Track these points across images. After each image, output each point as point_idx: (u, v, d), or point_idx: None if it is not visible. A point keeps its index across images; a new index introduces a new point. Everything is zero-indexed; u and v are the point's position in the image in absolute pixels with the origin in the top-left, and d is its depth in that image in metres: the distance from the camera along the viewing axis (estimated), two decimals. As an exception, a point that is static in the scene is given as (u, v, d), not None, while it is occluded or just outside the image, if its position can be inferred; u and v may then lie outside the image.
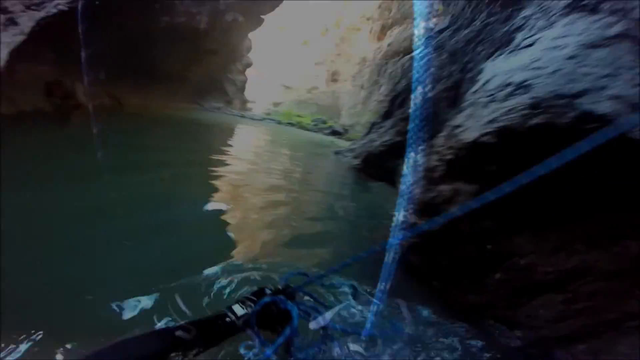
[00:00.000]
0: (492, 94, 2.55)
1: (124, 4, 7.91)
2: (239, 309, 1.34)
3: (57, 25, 6.23)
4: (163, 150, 4.65)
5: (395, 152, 5.32)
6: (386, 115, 6.75)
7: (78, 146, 4.03)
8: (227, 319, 1.30)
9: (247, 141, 7.66)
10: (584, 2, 2.92)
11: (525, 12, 3.76)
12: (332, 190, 4.28)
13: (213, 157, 4.49)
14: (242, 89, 17.83)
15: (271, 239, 2.46)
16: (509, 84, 2.48)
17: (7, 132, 4.02)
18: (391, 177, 5.03)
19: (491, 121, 2.14)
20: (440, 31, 8.38)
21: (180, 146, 5.45)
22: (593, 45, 2.21)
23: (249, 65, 17.64)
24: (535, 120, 1.94)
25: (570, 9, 2.99)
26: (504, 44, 3.58)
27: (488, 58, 3.77)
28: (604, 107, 1.80)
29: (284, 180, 4.51)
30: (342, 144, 12.14)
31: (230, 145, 5.95)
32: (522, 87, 2.30)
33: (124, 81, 9.84)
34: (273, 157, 5.85)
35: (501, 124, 2.06)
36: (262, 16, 15.52)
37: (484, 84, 2.92)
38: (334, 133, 16.67)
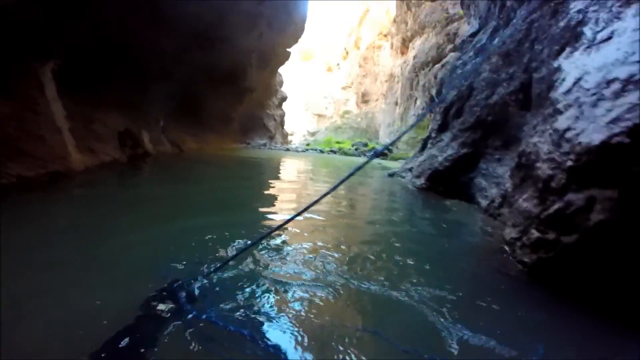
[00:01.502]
0: (596, 92, 2.41)
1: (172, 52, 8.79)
2: None
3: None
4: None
5: (464, 165, 5.12)
6: (442, 128, 6.59)
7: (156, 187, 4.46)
8: None
9: (298, 173, 7.84)
10: None
11: (576, 6, 3.64)
12: (413, 213, 4.15)
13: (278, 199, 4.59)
14: (282, 123, 18.68)
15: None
16: (612, 80, 2.34)
17: (95, 181, 4.57)
18: (465, 192, 4.81)
19: (614, 120, 1.99)
20: (473, 34, 8.26)
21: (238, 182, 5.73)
22: None
23: (284, 99, 18.57)
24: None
25: None
26: (570, 40, 3.45)
27: (557, 56, 3.61)
28: None
29: (356, 208, 4.48)
30: (390, 164, 12.00)
31: (286, 181, 6.12)
32: (632, 82, 2.16)
33: (180, 128, 10.81)
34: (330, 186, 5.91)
35: (629, 122, 1.91)
36: (288, 49, 16.44)
37: (575, 83, 2.77)
38: (379, 154, 16.61)
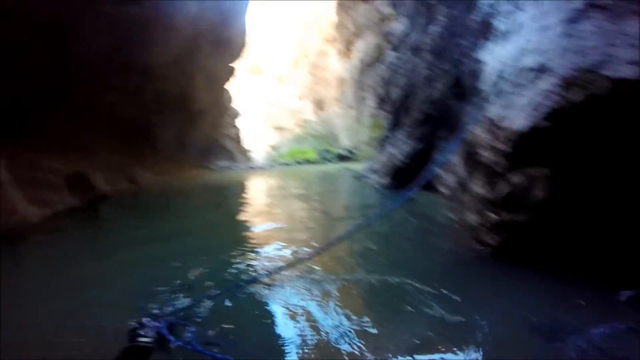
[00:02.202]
0: (515, 82, 2.74)
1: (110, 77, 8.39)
2: None
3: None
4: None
5: (421, 158, 5.48)
6: (395, 127, 6.97)
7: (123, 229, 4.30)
8: None
9: (268, 190, 7.84)
10: None
11: (485, 2, 4.04)
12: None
13: (246, 216, 4.60)
14: (240, 140, 18.43)
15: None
16: (527, 69, 2.69)
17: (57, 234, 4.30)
18: (428, 184, 5.15)
19: (535, 107, 2.31)
20: (406, 33, 8.79)
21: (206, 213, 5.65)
22: (573, 20, 2.44)
23: (237, 115, 18.38)
24: (577, 97, 2.10)
25: None
26: (483, 33, 3.83)
27: (474, 49, 4.00)
28: (629, 71, 1.98)
29: (329, 211, 4.62)
30: (355, 166, 12.37)
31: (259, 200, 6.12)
32: (543, 70, 2.49)
33: (135, 162, 10.32)
34: (304, 197, 5.99)
35: (546, 107, 2.22)
36: (232, 65, 16.38)
37: (496, 74, 3.13)
38: (341, 158, 17.02)
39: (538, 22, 2.83)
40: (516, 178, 2.23)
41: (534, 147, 2.16)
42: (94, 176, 7.48)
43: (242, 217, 4.76)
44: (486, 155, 2.57)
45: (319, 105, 33.86)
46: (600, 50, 2.13)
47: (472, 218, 2.78)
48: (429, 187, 5.08)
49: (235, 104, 18.46)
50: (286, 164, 18.72)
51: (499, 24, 3.51)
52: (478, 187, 2.70)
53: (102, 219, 5.68)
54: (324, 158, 18.20)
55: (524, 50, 2.72)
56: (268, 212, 4.70)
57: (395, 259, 2.59)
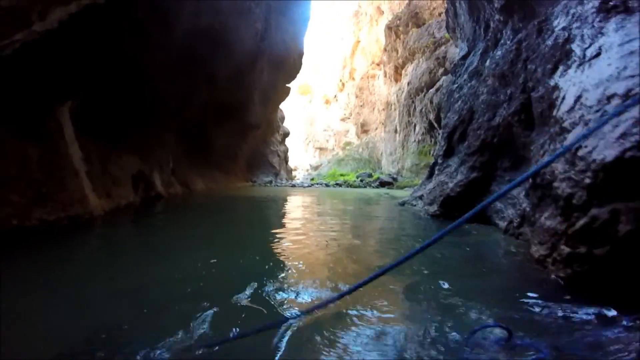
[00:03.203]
0: (599, 109, 2.58)
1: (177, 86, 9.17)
2: None
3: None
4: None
5: (476, 189, 5.23)
6: (448, 154, 6.77)
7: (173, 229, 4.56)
8: None
9: (308, 208, 7.90)
10: (612, 3, 3.03)
11: (560, 23, 3.96)
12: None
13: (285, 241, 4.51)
14: (286, 158, 19.12)
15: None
16: (612, 96, 2.53)
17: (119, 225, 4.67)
18: (482, 215, 4.88)
19: (622, 136, 2.14)
20: (464, 57, 8.62)
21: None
22: None
23: (287, 134, 19.15)
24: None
25: (605, 12, 3.14)
26: (561, 58, 3.67)
27: (551, 74, 3.81)
28: None
29: (373, 238, 4.52)
30: (397, 193, 12.13)
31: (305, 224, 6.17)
32: (630, 97, 2.33)
33: (189, 168, 11.09)
34: (352, 222, 5.94)
35: (637, 136, 2.06)
36: (288, 85, 17.24)
37: (576, 101, 2.97)
38: (383, 184, 16.80)
39: (624, 47, 2.69)
40: (598, 211, 2.04)
41: (620, 178, 1.98)
42: (153, 177, 8.16)
43: (281, 236, 4.73)
44: (562, 186, 2.39)
45: (363, 128, 34.18)
46: None
47: (539, 251, 2.57)
48: (484, 219, 4.81)
49: (285, 122, 19.36)
50: (326, 185, 18.88)
51: (577, 48, 3.37)
52: (549, 219, 2.50)
53: (155, 217, 6.09)
54: (365, 182, 18.08)
55: (610, 76, 2.57)
56: (305, 232, 4.62)
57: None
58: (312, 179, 22.86)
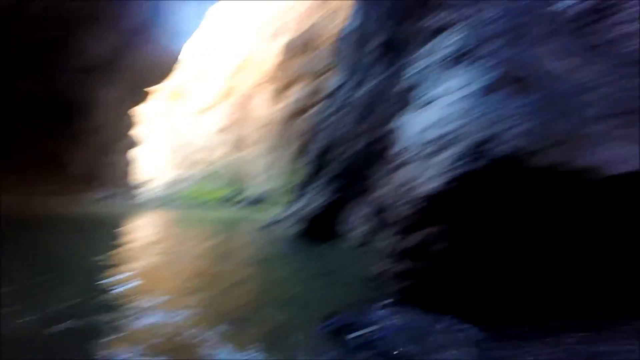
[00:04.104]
0: (424, 150, 3.02)
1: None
2: None
3: None
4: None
5: (336, 209, 5.56)
6: (310, 179, 7.07)
7: None
8: None
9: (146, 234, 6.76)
10: (455, 55, 3.84)
11: (414, 69, 4.61)
12: (296, 257, 4.17)
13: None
14: (130, 172, 16.36)
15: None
16: (434, 139, 2.99)
17: None
18: (337, 234, 5.21)
19: (441, 173, 2.50)
20: (340, 87, 9.41)
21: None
22: (477, 98, 2.90)
23: (133, 144, 16.54)
24: (475, 165, 2.35)
25: (448, 62, 3.78)
26: (406, 101, 4.31)
27: (396, 115, 4.44)
28: (509, 148, 2.31)
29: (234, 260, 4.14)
30: (266, 214, 11.94)
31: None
32: (448, 140, 2.80)
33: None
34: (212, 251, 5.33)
35: (451, 174, 2.42)
36: (147, 89, 15.33)
37: (409, 141, 3.44)
38: (254, 202, 16.46)
39: (450, 97, 3.25)
40: (424, 232, 2.44)
41: (440, 206, 2.34)
42: None
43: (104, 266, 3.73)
44: (398, 211, 2.68)
45: (239, 144, 33.29)
46: (497, 124, 2.47)
47: (382, 266, 2.95)
48: (342, 238, 5.14)
49: (136, 130, 16.45)
50: (185, 203, 17.23)
51: (418, 96, 3.96)
52: (387, 239, 2.91)
53: None
54: (234, 200, 17.36)
55: (435, 122, 3.05)
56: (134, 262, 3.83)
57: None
58: (170, 194, 20.48)
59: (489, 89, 2.85)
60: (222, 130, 35.44)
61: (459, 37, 3.85)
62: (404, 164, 3.24)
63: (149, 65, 13.40)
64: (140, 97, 14.98)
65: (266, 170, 25.08)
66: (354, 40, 8.66)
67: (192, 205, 17.00)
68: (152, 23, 11.76)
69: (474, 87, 3.00)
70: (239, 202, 16.87)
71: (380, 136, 5.09)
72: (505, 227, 2.29)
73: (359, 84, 7.28)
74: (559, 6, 4.73)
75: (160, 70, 14.71)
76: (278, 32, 32.64)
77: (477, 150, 2.41)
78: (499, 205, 2.27)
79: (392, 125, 4.40)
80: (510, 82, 2.76)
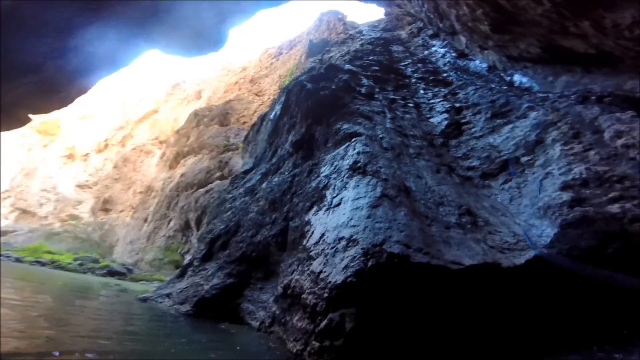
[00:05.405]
0: (334, 246, 3.78)
1: None
2: None
3: None
4: None
5: (231, 293, 5.60)
6: (206, 258, 6.95)
7: None
8: None
9: None
10: (358, 165, 4.72)
11: (324, 171, 5.45)
12: (191, 338, 3.89)
13: None
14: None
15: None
16: (342, 238, 3.80)
17: None
18: (235, 316, 5.17)
19: (346, 267, 3.30)
20: (246, 172, 9.46)
21: None
22: (374, 206, 3.91)
23: None
24: (370, 263, 3.22)
25: (352, 171, 4.75)
26: (317, 200, 5.07)
27: (308, 211, 5.13)
28: (398, 249, 3.31)
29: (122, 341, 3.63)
30: (133, 286, 10.30)
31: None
32: (352, 240, 3.63)
33: None
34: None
35: (353, 269, 3.23)
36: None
37: (321, 237, 4.16)
38: (113, 274, 13.86)
39: (354, 202, 4.18)
40: (332, 315, 2.95)
41: (346, 294, 3.01)
42: None
43: None
44: (310, 298, 3.24)
45: (106, 205, 28.77)
46: (388, 230, 3.47)
47: (296, 346, 3.22)
48: (237, 319, 5.11)
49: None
50: (17, 259, 13.44)
51: (329, 195, 4.83)
52: (300, 321, 3.23)
53: None
54: (86, 267, 14.31)
55: (343, 223, 3.93)
56: None
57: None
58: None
59: (375, 203, 3.91)
60: (88, 185, 30.44)
61: (357, 150, 5.05)
62: (316, 255, 3.88)
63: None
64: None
65: (134, 240, 21.94)
66: (270, 130, 9.20)
67: (27, 263, 13.22)
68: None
69: (366, 199, 4.06)
70: (94, 270, 13.96)
71: (288, 228, 5.59)
72: (404, 309, 2.98)
73: (269, 173, 7.75)
74: (433, 120, 6.68)
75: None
76: (190, 98, 32.32)
77: (374, 250, 3.30)
78: (396, 290, 3.03)
79: (304, 219, 5.05)
80: (391, 197, 3.96)
